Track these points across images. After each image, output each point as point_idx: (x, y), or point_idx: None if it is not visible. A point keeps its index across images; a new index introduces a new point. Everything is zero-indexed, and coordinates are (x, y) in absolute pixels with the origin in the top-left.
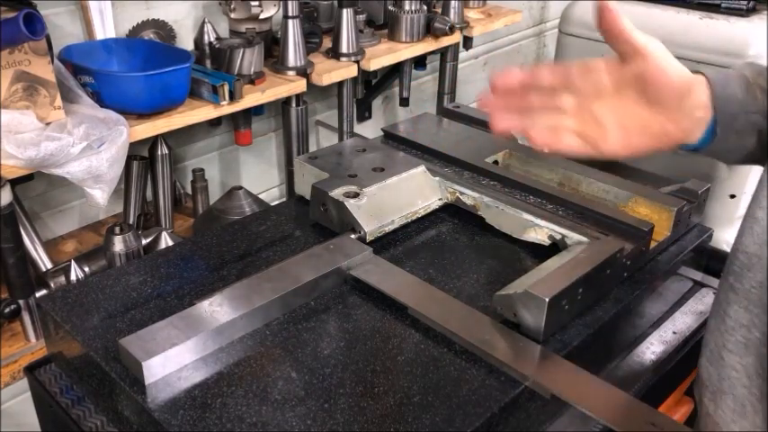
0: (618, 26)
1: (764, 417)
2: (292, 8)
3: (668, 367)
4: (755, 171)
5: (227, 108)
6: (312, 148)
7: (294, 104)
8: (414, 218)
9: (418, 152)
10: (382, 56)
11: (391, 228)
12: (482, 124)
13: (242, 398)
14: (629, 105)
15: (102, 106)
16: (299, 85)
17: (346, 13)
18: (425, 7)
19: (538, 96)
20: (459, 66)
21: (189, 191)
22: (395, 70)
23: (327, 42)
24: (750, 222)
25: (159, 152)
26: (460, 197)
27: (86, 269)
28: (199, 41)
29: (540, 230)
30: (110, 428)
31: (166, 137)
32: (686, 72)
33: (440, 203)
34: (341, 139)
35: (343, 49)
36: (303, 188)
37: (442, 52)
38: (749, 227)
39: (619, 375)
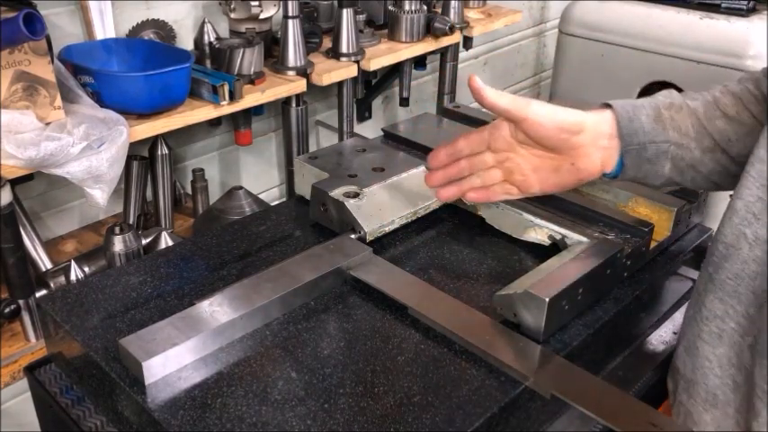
0: (488, 102)
1: (736, 406)
2: (292, 8)
3: (668, 367)
4: None
5: (227, 108)
6: (312, 148)
7: (294, 104)
8: (414, 218)
9: (418, 152)
10: (382, 56)
11: (391, 228)
12: (482, 124)
13: (242, 398)
14: (536, 153)
15: (102, 106)
16: (299, 85)
17: (346, 13)
18: (425, 7)
19: (466, 162)
20: (460, 66)
21: (189, 191)
22: (395, 70)
23: (327, 42)
24: (729, 213)
25: (159, 152)
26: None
27: (86, 269)
28: (199, 41)
29: (540, 230)
30: (110, 428)
31: (166, 137)
32: (571, 115)
33: (440, 203)
34: (341, 139)
35: (343, 49)
36: (303, 188)
37: (442, 52)
38: (728, 217)
39: (619, 375)
